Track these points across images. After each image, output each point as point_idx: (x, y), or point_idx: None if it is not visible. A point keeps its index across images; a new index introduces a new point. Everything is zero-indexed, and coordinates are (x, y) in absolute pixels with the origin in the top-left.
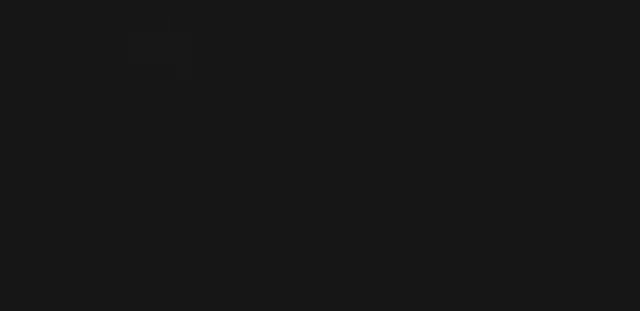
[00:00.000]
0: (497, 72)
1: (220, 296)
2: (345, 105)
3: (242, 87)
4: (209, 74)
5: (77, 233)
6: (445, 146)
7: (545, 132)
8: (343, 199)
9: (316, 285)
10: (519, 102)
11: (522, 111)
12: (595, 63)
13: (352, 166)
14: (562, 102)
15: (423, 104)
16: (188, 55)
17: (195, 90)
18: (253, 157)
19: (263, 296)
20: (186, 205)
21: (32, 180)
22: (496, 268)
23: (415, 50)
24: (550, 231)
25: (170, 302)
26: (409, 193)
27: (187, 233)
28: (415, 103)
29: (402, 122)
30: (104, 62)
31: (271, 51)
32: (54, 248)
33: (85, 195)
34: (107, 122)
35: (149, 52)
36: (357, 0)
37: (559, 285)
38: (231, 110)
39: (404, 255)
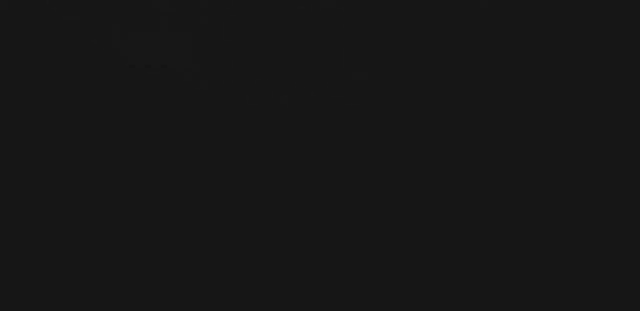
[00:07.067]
0: (497, 72)
1: (220, 296)
2: (348, 105)
3: (243, 87)
4: (209, 75)
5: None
6: (445, 146)
7: (545, 132)
8: (345, 200)
9: (316, 285)
10: (519, 102)
11: (522, 111)
12: (595, 63)
13: (355, 167)
14: (562, 102)
15: (424, 104)
16: (188, 56)
17: (195, 90)
18: (254, 158)
19: (263, 296)
20: (188, 207)
21: (32, 181)
22: (496, 268)
23: (418, 50)
24: (550, 231)
25: (171, 302)
26: (410, 193)
27: (189, 236)
28: (417, 103)
29: (405, 123)
30: (104, 62)
31: (272, 51)
32: (55, 248)
33: (86, 196)
34: (107, 123)
35: (149, 52)
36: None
37: (559, 285)
38: (232, 111)
39: (405, 255)
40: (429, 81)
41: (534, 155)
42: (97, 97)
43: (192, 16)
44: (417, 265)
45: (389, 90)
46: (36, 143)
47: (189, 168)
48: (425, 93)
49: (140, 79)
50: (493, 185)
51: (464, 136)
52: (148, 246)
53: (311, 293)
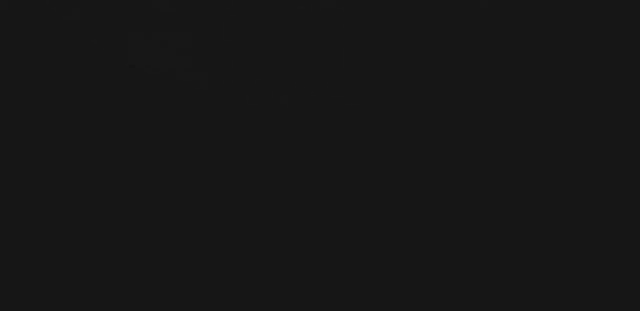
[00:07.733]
0: (497, 72)
1: (220, 296)
2: (348, 105)
3: (243, 87)
4: (209, 75)
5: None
6: (445, 146)
7: (545, 132)
8: (345, 200)
9: (316, 285)
10: (519, 102)
11: (522, 111)
12: (595, 63)
13: (355, 167)
14: (561, 102)
15: (424, 104)
16: (188, 56)
17: (195, 90)
18: (255, 158)
19: (263, 296)
20: (188, 206)
21: (32, 181)
22: (496, 269)
23: (418, 50)
24: (550, 231)
25: (170, 302)
26: (409, 193)
27: (190, 235)
28: (417, 103)
29: (405, 123)
30: (104, 62)
31: (272, 51)
32: (55, 248)
33: (87, 195)
34: (107, 124)
35: (149, 52)
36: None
37: (559, 285)
38: (232, 111)
39: (404, 255)
40: (429, 81)
41: (534, 155)
42: (97, 97)
43: (192, 16)
44: (416, 264)
45: (389, 90)
46: (36, 142)
47: (189, 168)
48: (425, 93)
49: (140, 79)
50: (492, 185)
51: (464, 136)
52: (149, 246)
53: (311, 293)
